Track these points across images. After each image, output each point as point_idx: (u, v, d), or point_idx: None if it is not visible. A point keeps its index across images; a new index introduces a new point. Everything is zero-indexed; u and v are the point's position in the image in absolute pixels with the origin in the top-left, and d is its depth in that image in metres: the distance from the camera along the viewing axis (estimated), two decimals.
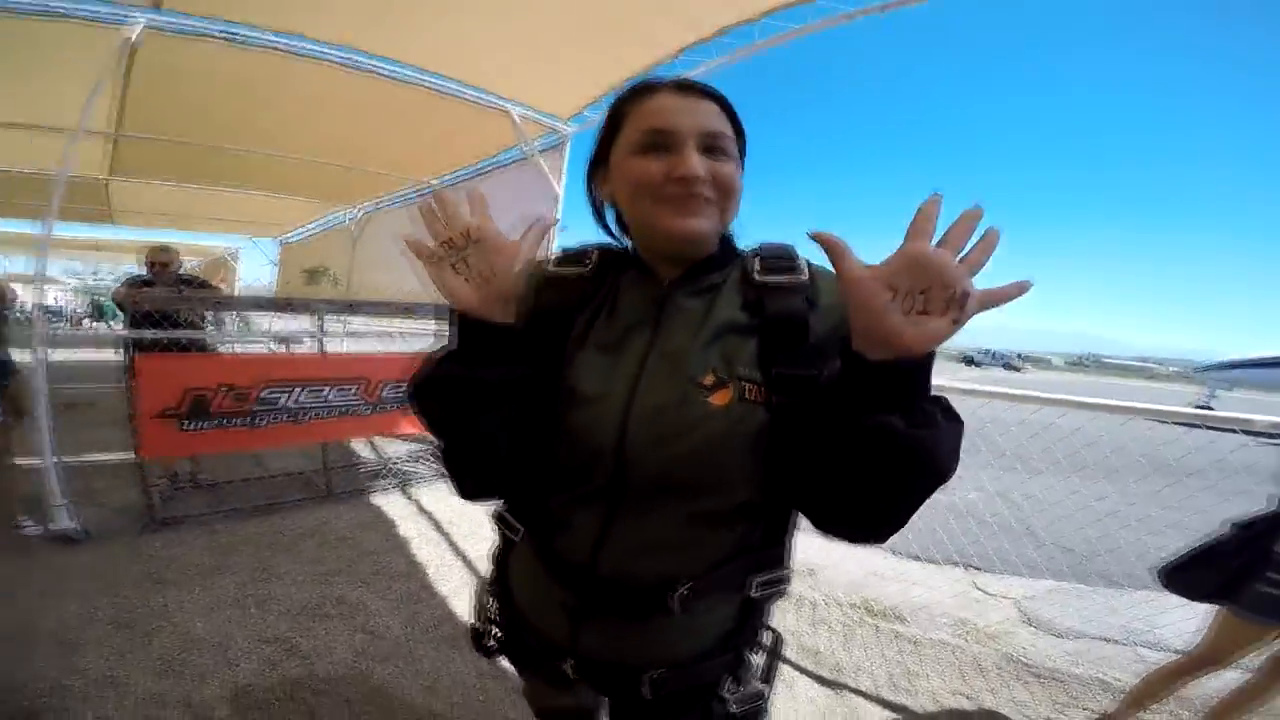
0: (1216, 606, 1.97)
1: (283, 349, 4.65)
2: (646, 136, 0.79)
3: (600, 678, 0.86)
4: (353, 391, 4.23)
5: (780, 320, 0.78)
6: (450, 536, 3.69)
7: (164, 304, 3.65)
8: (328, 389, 4.10)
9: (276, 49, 4.12)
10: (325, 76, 4.52)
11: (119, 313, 3.90)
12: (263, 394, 3.81)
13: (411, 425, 4.62)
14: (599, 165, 0.89)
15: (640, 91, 0.84)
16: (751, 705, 0.86)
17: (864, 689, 2.46)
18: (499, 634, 0.96)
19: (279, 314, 4.95)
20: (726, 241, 0.88)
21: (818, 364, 0.75)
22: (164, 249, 4.11)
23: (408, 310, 4.88)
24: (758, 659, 0.90)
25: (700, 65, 4.28)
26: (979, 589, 3.49)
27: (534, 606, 0.90)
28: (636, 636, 0.82)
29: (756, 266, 0.83)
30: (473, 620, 1.01)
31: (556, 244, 0.93)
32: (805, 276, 0.81)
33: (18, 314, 5.45)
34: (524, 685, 1.04)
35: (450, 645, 2.54)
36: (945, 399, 0.65)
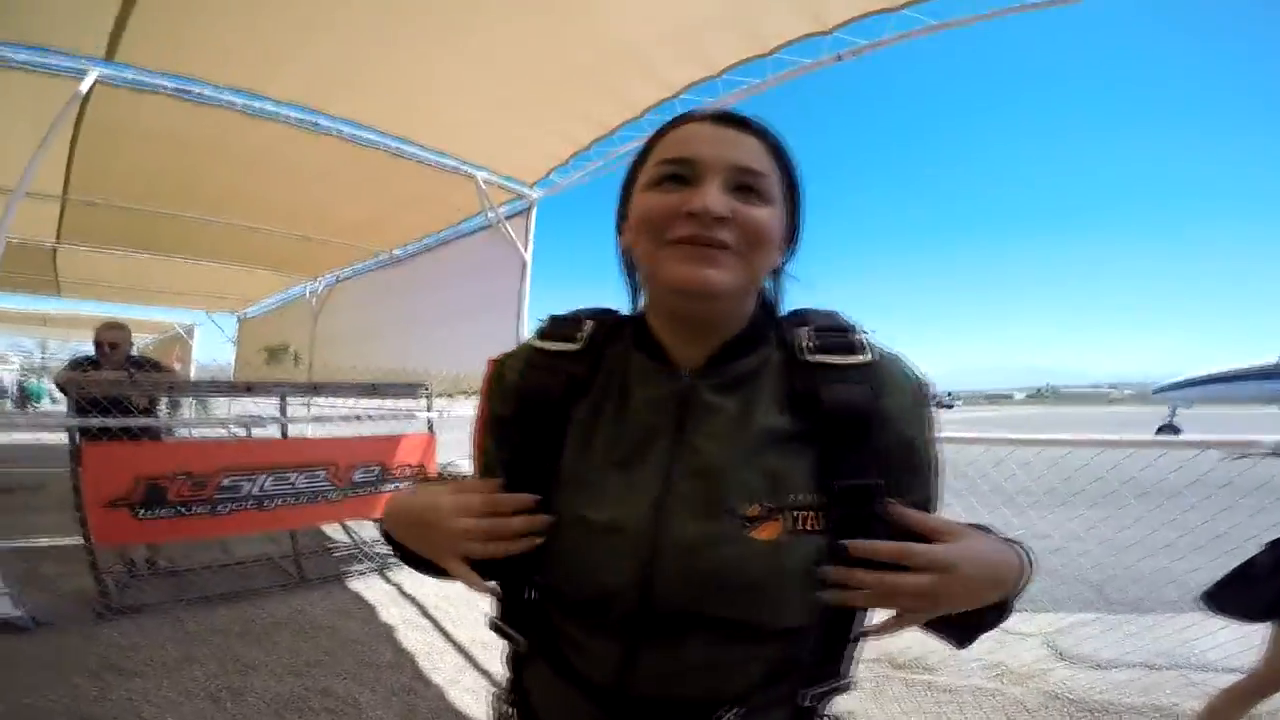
0: (1267, 625, 1.88)
1: (243, 433, 4.41)
2: (665, 167, 0.66)
3: None
4: (321, 476, 4.06)
5: (841, 418, 0.63)
6: (438, 621, 3.43)
7: (111, 389, 3.42)
8: (294, 475, 3.93)
9: (232, 107, 4.03)
10: (283, 137, 4.43)
11: (43, 396, 3.64)
12: (224, 482, 3.63)
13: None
14: (625, 206, 0.75)
15: (672, 123, 0.71)
16: None
17: None
18: None
19: (238, 398, 4.71)
20: (762, 310, 0.73)
21: (882, 471, 0.62)
22: (114, 326, 3.89)
23: (374, 389, 4.70)
24: None
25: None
26: (1002, 629, 3.32)
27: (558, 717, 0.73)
28: None
29: (808, 342, 0.67)
30: None
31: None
32: (868, 356, 0.66)
33: None
34: None
35: None
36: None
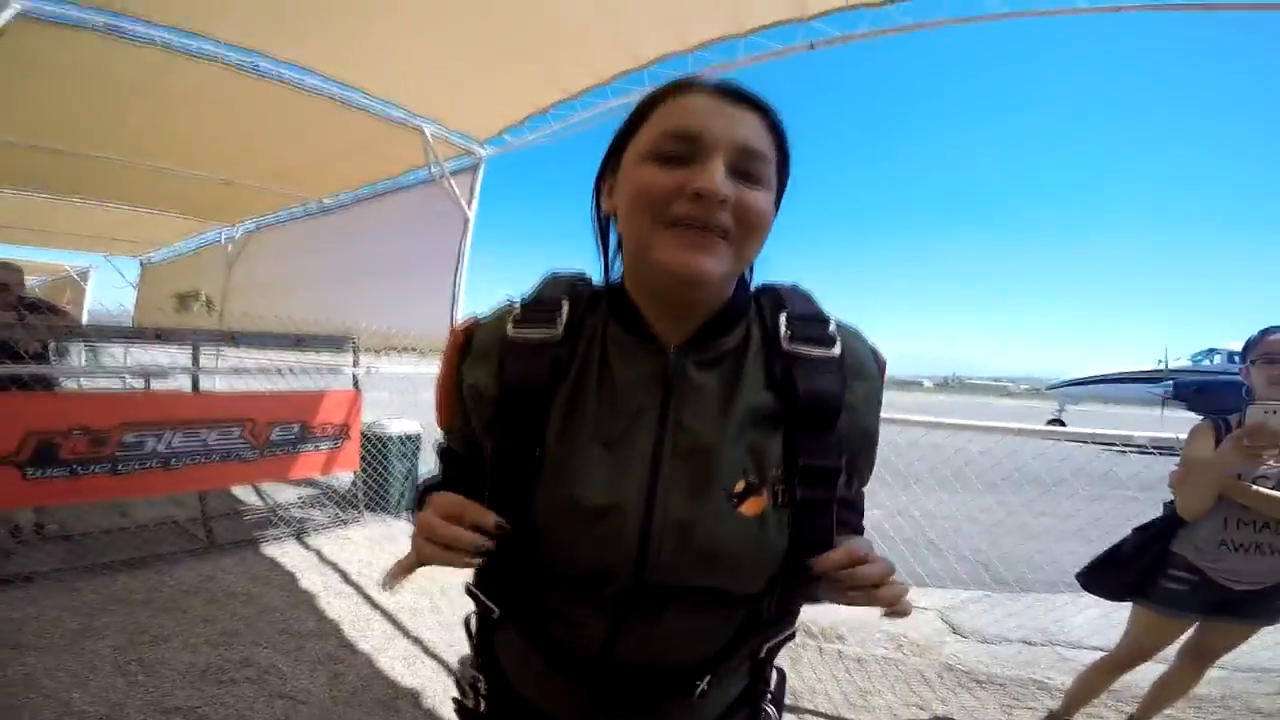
0: (1130, 605, 2.12)
1: (141, 385, 4.12)
2: (666, 140, 0.63)
3: None
4: (235, 434, 3.78)
5: (813, 404, 0.65)
6: (362, 588, 3.35)
7: (2, 333, 3.08)
8: (206, 432, 3.65)
9: (168, 45, 3.69)
10: (219, 78, 4.10)
11: None
12: (127, 438, 3.32)
13: (306, 468, 4.19)
14: (608, 171, 0.73)
15: (673, 88, 0.67)
16: None
17: (824, 711, 2.46)
18: (486, 710, 0.81)
19: (142, 345, 4.35)
20: (741, 288, 0.73)
21: (842, 454, 0.67)
22: (4, 266, 3.50)
23: (297, 341, 4.45)
24: (771, 709, 0.82)
25: (632, 92, 4.31)
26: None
27: (532, 687, 0.76)
28: (657, 715, 0.71)
29: (785, 330, 0.69)
30: (457, 695, 0.85)
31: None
32: (839, 350, 0.68)
33: None
34: None
35: (385, 708, 2.28)
36: None
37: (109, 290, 13.40)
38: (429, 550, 0.62)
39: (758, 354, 0.69)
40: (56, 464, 3.09)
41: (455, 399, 0.75)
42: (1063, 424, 18.13)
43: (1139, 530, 2.10)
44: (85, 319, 12.80)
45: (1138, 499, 2.63)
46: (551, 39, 3.82)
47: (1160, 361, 19.46)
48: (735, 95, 0.65)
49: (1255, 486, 1.79)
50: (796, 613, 0.76)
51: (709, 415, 0.65)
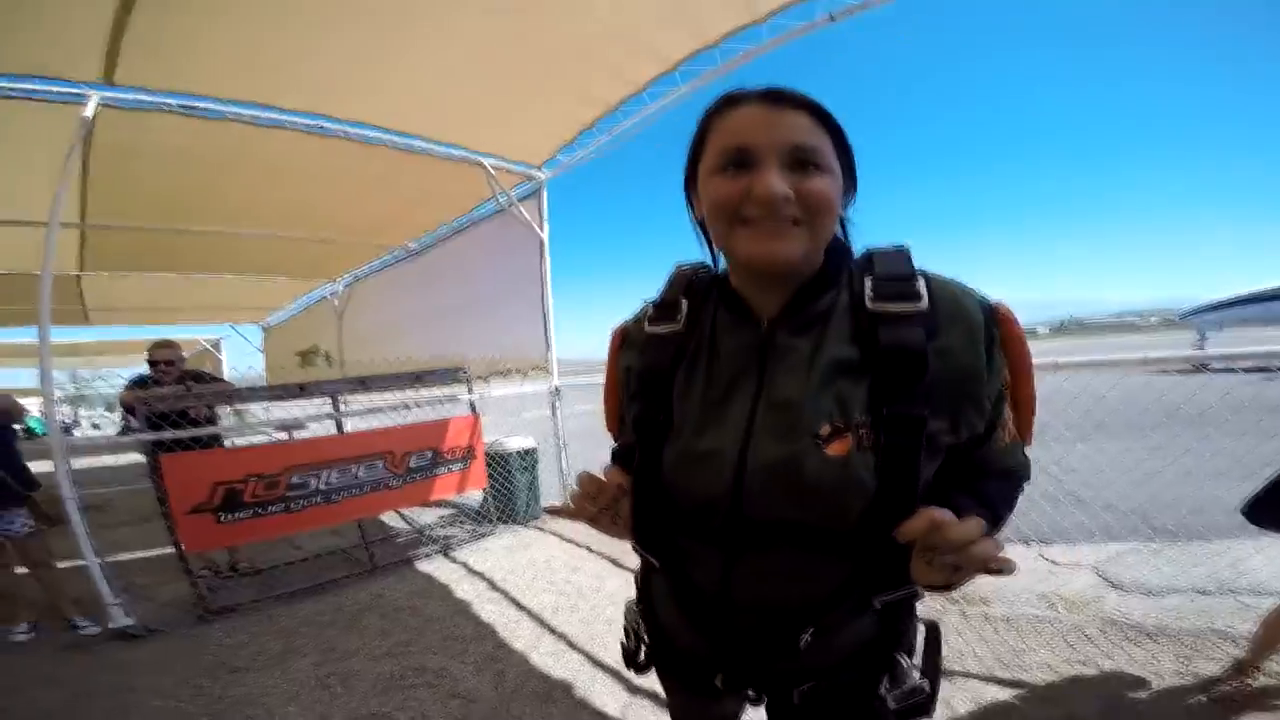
0: None
1: (284, 436, 4.63)
2: (726, 155, 0.74)
3: (750, 688, 0.87)
4: (380, 466, 4.24)
5: (894, 355, 0.71)
6: (509, 594, 3.60)
7: (177, 403, 3.58)
8: (355, 466, 4.12)
9: (239, 119, 4.06)
10: (290, 144, 4.47)
11: (43, 431, 3.78)
12: (292, 479, 3.81)
13: (443, 490, 4.56)
14: (691, 181, 0.85)
15: (725, 103, 0.78)
16: (912, 700, 0.82)
17: (976, 673, 2.39)
18: (648, 651, 0.98)
19: (278, 402, 4.92)
20: (835, 254, 0.81)
21: (930, 404, 0.71)
22: (167, 344, 4.05)
23: (418, 378, 4.83)
24: (913, 659, 0.86)
25: (669, 94, 4.36)
26: (1050, 560, 3.41)
27: (676, 629, 0.91)
28: (778, 657, 0.81)
29: (869, 291, 0.75)
30: (623, 639, 1.03)
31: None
32: (925, 303, 0.73)
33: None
34: (671, 700, 1.05)
35: (544, 700, 2.46)
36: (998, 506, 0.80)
37: (240, 356, 14.89)
38: (578, 501, 0.85)
39: (844, 314, 0.77)
40: (241, 507, 3.61)
41: (619, 386, 0.97)
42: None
43: None
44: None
45: None
46: (581, 57, 3.92)
47: None
48: (778, 99, 0.74)
49: None
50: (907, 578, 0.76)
51: (798, 371, 0.75)
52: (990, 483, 0.81)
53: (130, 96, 3.71)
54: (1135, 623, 2.62)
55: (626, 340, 0.96)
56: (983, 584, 3.07)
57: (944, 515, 0.64)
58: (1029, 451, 0.85)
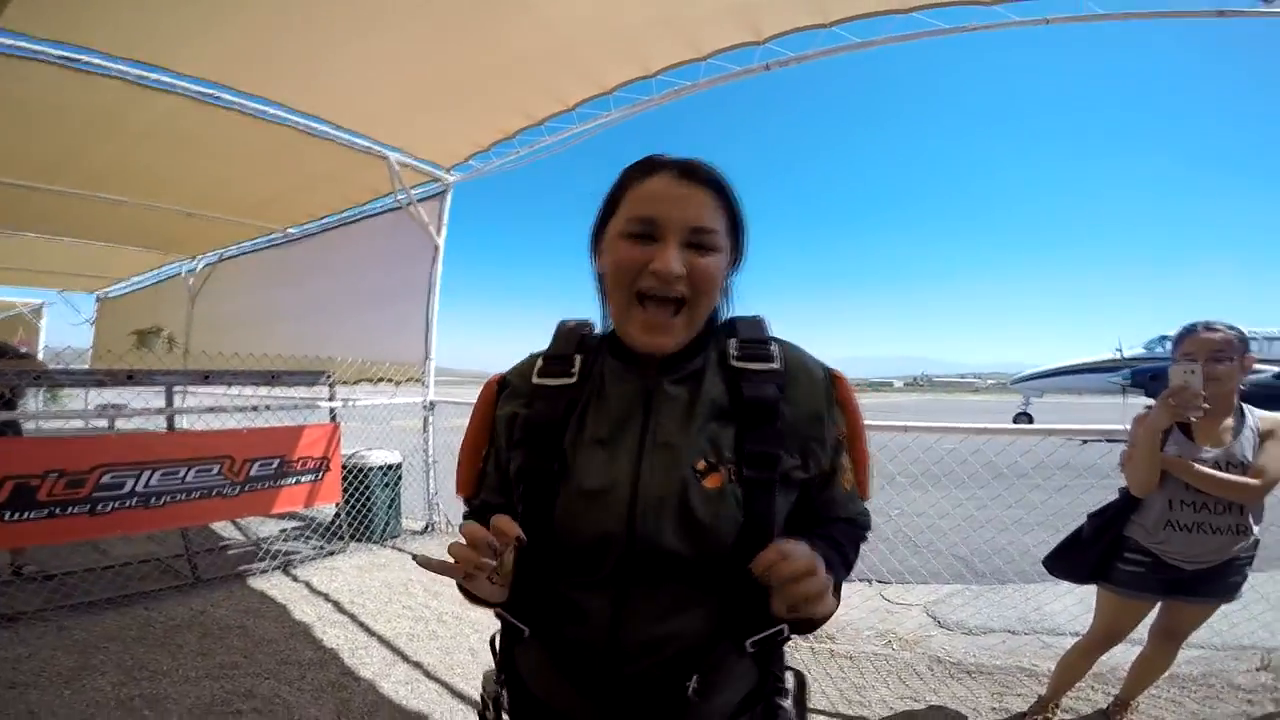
0: (1097, 588, 2.23)
1: (103, 424, 4.05)
2: (634, 224, 0.82)
3: None
4: (214, 471, 3.81)
5: (754, 405, 0.82)
6: (357, 617, 3.34)
7: None
8: (184, 470, 3.67)
9: (123, 76, 3.62)
10: (179, 110, 4.05)
11: None
12: (103, 479, 3.34)
13: (288, 502, 4.17)
14: (599, 236, 0.91)
15: (641, 170, 0.85)
16: None
17: (824, 708, 2.52)
18: None
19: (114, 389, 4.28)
20: (708, 321, 0.90)
21: (783, 445, 0.82)
22: None
23: (273, 377, 4.42)
24: (788, 704, 0.88)
25: (599, 117, 4.39)
26: (887, 599, 3.69)
27: (551, 694, 0.86)
28: (667, 710, 0.80)
29: (734, 351, 0.87)
30: (481, 712, 0.96)
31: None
32: (778, 364, 0.86)
33: None
34: None
35: None
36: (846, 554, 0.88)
37: (64, 328, 12.83)
38: (460, 551, 0.74)
39: (715, 369, 0.87)
40: (34, 506, 3.12)
41: (486, 439, 0.96)
42: (1030, 417, 18.57)
43: (1094, 515, 2.22)
44: (41, 357, 12.34)
45: (1095, 486, 2.77)
46: (515, 67, 3.87)
47: (1117, 350, 20.13)
48: (692, 174, 0.83)
49: (1197, 466, 1.92)
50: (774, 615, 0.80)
51: (679, 417, 0.83)
52: (838, 526, 0.92)
53: (7, 40, 3.25)
54: (957, 660, 2.89)
55: (507, 390, 0.95)
56: (829, 621, 3.25)
57: (791, 548, 0.69)
58: (869, 506, 0.96)
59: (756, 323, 0.93)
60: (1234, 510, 1.95)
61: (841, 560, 0.87)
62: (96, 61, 3.49)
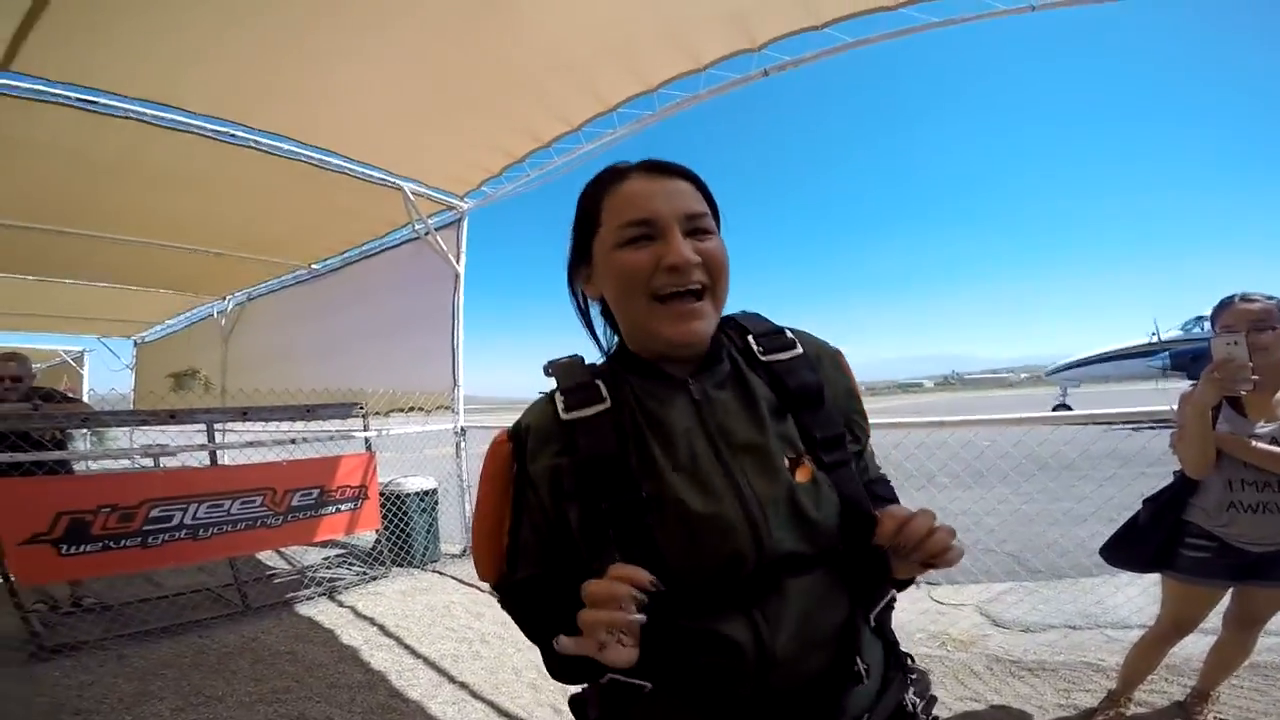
0: (1160, 577, 2.14)
1: (149, 463, 4.17)
2: (629, 229, 0.78)
3: None
4: (258, 502, 3.91)
5: (803, 393, 0.81)
6: (403, 640, 3.36)
7: (20, 424, 3.17)
8: (228, 502, 3.77)
9: (141, 118, 3.71)
10: (195, 149, 4.15)
11: None
12: (153, 512, 3.45)
13: (329, 530, 4.23)
14: (579, 263, 0.87)
15: (610, 179, 0.83)
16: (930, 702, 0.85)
17: None
18: None
19: (159, 428, 4.42)
20: (718, 329, 0.87)
21: (839, 424, 0.83)
22: (12, 358, 3.59)
23: (308, 411, 4.50)
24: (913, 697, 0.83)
25: (605, 135, 4.42)
26: (938, 601, 3.59)
27: None
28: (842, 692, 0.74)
29: (756, 346, 0.85)
30: None
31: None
32: (799, 350, 0.86)
33: None
34: None
35: None
36: None
37: (105, 373, 13.19)
38: (591, 617, 0.61)
39: (745, 368, 0.84)
40: (89, 540, 3.25)
41: (508, 508, 0.83)
42: (1069, 408, 18.15)
43: (1149, 501, 2.13)
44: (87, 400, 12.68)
45: (1145, 474, 2.67)
46: (519, 91, 3.91)
47: (1153, 334, 19.59)
48: (664, 170, 0.81)
49: (1254, 442, 1.84)
50: (889, 580, 0.81)
51: (741, 418, 0.79)
52: (881, 484, 0.91)
53: (26, 85, 3.35)
54: (1017, 659, 2.78)
55: (531, 442, 0.81)
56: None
57: (904, 512, 0.69)
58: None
59: (756, 316, 0.92)
60: None
61: None
62: (111, 103, 3.58)
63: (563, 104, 4.14)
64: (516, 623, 0.85)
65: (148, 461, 4.74)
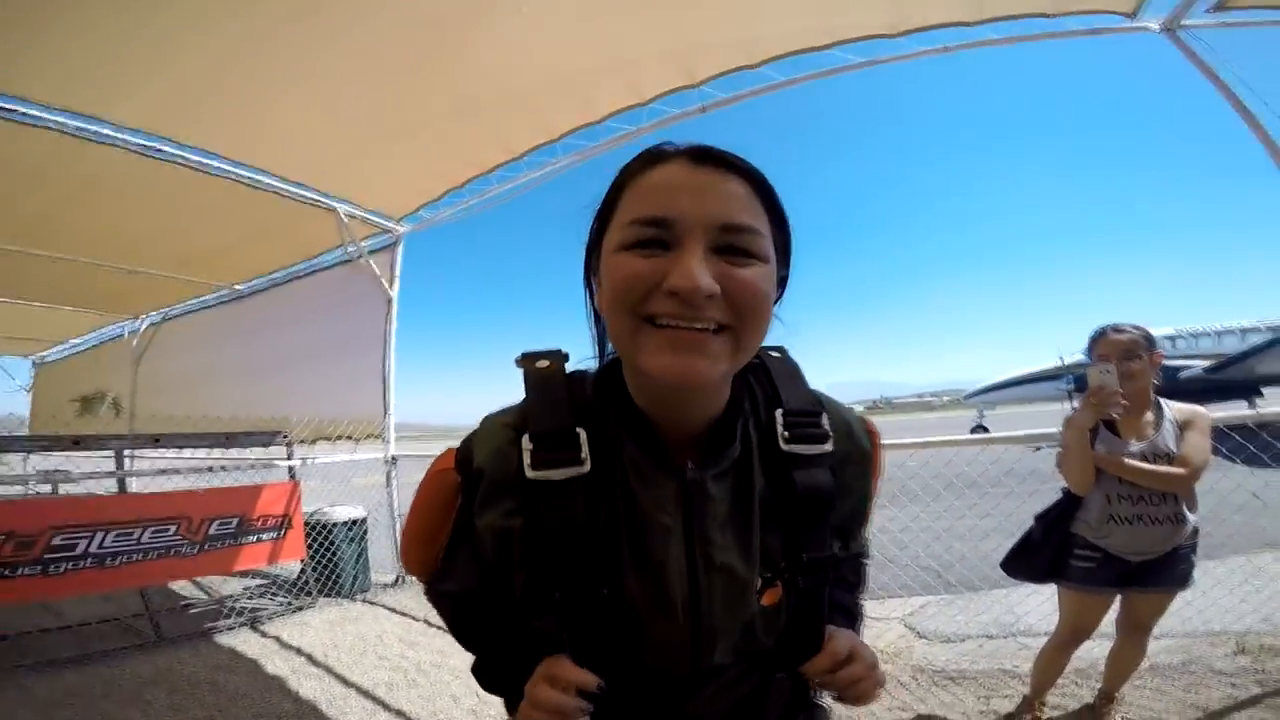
0: (1055, 586, 2.29)
1: (47, 489, 3.91)
2: (637, 228, 0.58)
3: None
4: (171, 531, 3.72)
5: (809, 501, 0.67)
6: (332, 669, 3.25)
7: None
8: (139, 530, 3.58)
9: (60, 129, 3.52)
10: (113, 163, 3.95)
11: None
12: (55, 540, 3.27)
13: (250, 560, 4.04)
14: (594, 257, 0.69)
15: (644, 161, 0.63)
16: None
17: None
18: None
19: (62, 453, 4.11)
20: (740, 381, 0.71)
21: (834, 539, 0.72)
22: None
23: (227, 438, 4.31)
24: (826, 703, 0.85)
25: (548, 164, 4.49)
26: (868, 615, 3.71)
27: None
28: None
29: (783, 431, 0.68)
30: None
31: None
32: (830, 445, 0.70)
33: None
34: None
35: None
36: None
37: (2, 395, 12.05)
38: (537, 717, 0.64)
39: (758, 457, 0.69)
40: None
41: (450, 533, 0.73)
42: (985, 429, 19.25)
43: (1040, 517, 2.29)
44: None
45: (1039, 490, 2.85)
46: (463, 116, 3.93)
47: (1059, 359, 21.11)
48: (710, 159, 0.60)
49: (1126, 459, 2.02)
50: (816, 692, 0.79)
51: (729, 529, 0.67)
52: (846, 567, 0.83)
53: None
54: (940, 668, 2.92)
55: (482, 488, 0.68)
56: None
57: (842, 650, 0.69)
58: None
59: (793, 373, 0.74)
60: (1169, 500, 2.03)
61: (858, 604, 0.85)
62: (30, 112, 3.40)
63: (507, 132, 4.18)
64: (444, 620, 0.83)
65: (46, 488, 4.43)
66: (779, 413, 0.69)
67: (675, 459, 0.67)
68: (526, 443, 0.65)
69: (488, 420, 0.72)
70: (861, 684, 0.69)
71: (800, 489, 0.67)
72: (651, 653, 0.67)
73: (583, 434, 0.65)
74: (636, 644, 0.67)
